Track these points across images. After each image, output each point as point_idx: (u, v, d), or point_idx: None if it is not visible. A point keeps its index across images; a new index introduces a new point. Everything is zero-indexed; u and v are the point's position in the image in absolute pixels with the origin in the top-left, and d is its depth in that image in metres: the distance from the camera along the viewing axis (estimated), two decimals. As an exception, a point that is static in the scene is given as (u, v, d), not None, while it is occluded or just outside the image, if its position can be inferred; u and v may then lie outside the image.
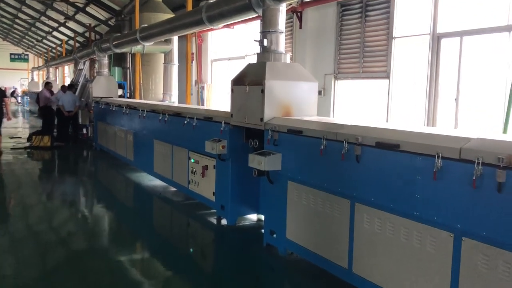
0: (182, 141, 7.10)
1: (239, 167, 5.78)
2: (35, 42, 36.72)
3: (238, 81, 5.45)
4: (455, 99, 7.33)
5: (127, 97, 14.58)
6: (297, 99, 5.12)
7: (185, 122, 6.82)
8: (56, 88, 17.12)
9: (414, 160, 3.24)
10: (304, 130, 4.35)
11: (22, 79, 43.36)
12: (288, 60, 5.36)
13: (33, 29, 31.75)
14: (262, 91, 4.96)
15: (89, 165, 11.49)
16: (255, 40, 5.44)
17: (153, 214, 7.07)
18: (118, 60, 15.97)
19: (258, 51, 5.39)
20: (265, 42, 5.26)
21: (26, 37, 36.52)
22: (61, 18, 24.62)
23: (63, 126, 13.72)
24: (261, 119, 4.99)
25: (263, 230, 5.62)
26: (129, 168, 9.74)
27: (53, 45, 32.56)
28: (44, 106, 14.60)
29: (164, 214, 7.08)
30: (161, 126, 7.82)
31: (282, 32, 5.31)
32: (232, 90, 5.59)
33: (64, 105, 13.37)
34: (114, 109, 10.57)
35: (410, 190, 3.28)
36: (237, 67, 13.80)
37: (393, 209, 3.43)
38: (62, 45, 28.46)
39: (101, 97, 12.27)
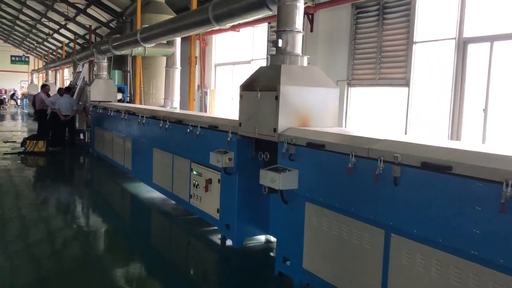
0: (184, 151, 6.49)
1: (247, 182, 5.17)
2: (36, 44, 36.26)
3: (248, 86, 4.84)
4: (483, 110, 6.72)
5: (127, 102, 14.00)
6: (315, 107, 4.50)
7: (188, 130, 6.21)
8: (54, 91, 16.54)
9: (473, 187, 2.61)
10: (327, 144, 3.73)
11: (22, 81, 42.87)
12: (305, 63, 4.75)
13: (34, 31, 31.27)
14: (276, 97, 4.35)
15: (85, 173, 10.86)
16: (269, 41, 4.84)
17: (151, 229, 6.44)
18: (118, 63, 15.38)
19: (271, 53, 4.79)
20: (280, 43, 4.65)
21: (27, 39, 36.06)
22: (62, 20, 24.12)
23: (59, 131, 13.12)
24: (275, 130, 4.37)
25: (273, 254, 5.00)
26: (127, 177, 9.12)
27: (54, 48, 32.08)
28: (40, 109, 14.02)
29: (163, 230, 6.45)
30: (161, 134, 7.21)
31: (300, 31, 4.71)
32: (241, 96, 4.98)
33: (60, 108, 12.79)
34: (112, 114, 9.97)
35: (466, 223, 2.65)
36: (242, 72, 13.34)
37: (442, 245, 2.81)
38: (63, 47, 27.95)
39: (99, 101, 11.68)
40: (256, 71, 4.93)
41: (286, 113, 4.36)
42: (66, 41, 28.53)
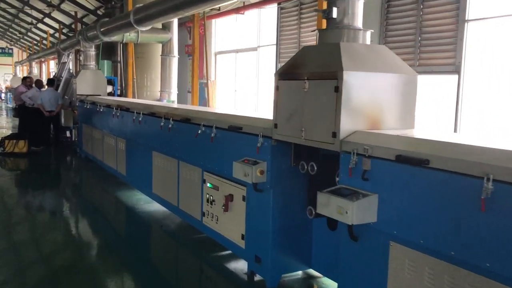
0: (193, 156, 5.18)
1: (284, 201, 3.92)
2: (19, 35, 34.46)
3: (289, 74, 3.55)
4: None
5: (118, 95, 12.61)
6: (389, 101, 3.22)
7: (199, 131, 4.90)
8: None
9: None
10: (435, 159, 2.45)
11: (6, 74, 41.02)
12: (368, 40, 3.46)
13: (16, 20, 29.49)
14: (337, 88, 3.06)
15: (71, 179, 9.44)
16: (316, 10, 3.54)
17: (152, 254, 5.14)
18: (108, 52, 13.94)
19: (320, 28, 3.50)
20: (335, 13, 3.35)
21: (10, 29, 34.23)
22: (45, 7, 22.48)
23: (43, 128, 11.70)
24: (334, 134, 3.09)
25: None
26: (120, 184, 7.79)
27: (38, 39, 30.38)
28: (21, 104, 12.57)
29: (168, 255, 5.16)
30: (163, 135, 5.90)
31: (361, -4, 3.42)
32: (276, 88, 3.69)
33: (43, 103, 11.37)
34: (102, 110, 8.60)
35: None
36: (247, 61, 12.06)
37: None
38: (47, 38, 26.30)
39: (87, 95, 10.30)
40: (300, 52, 3.63)
41: (351, 110, 3.07)
42: (51, 31, 26.86)
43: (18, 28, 31.92)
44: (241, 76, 11.98)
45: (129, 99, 8.61)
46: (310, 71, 3.33)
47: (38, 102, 11.33)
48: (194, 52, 8.56)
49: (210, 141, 4.68)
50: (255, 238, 4.11)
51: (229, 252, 4.72)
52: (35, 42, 32.07)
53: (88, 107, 9.63)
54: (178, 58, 10.98)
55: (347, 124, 3.06)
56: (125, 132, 7.42)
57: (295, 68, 3.50)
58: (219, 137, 4.60)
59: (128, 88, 11.06)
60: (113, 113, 7.81)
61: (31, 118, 11.86)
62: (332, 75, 3.10)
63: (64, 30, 24.42)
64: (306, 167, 3.71)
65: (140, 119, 6.62)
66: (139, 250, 5.13)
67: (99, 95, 10.44)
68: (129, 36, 9.90)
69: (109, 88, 11.91)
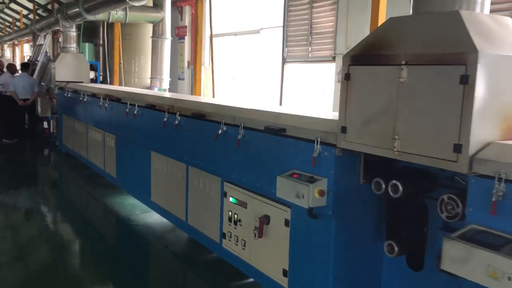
0: (210, 162, 4.09)
1: (351, 232, 2.89)
2: (-11, 16, 32.28)
3: (370, 56, 2.50)
4: None
5: (100, 82, 11.33)
6: (530, 98, 2.20)
7: (220, 131, 3.81)
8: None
9: None
10: None
11: (-24, 58, 38.71)
12: (488, 9, 2.43)
13: (-14, 0, 27.47)
14: (465, 79, 2.02)
15: (48, 178, 8.21)
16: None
17: (156, 282, 4.06)
18: (89, 35, 12.56)
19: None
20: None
21: (-20, 10, 32.03)
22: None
23: (16, 119, 10.38)
24: (458, 148, 2.06)
25: None
26: (109, 186, 6.66)
27: (10, 20, 28.40)
28: (-9, 92, 11.16)
29: (176, 284, 4.10)
30: (166, 133, 4.79)
31: None
32: (346, 77, 2.64)
33: (17, 90, 10.04)
34: (86, 99, 7.39)
35: None
36: (248, 45, 10.89)
37: None
38: (20, 19, 24.46)
39: (67, 82, 9.04)
40: (387, 25, 2.56)
41: (486, 111, 2.05)
42: (25, 12, 25.02)
43: (-11, 9, 29.81)
44: (240, 62, 10.81)
45: (119, 88, 7.43)
46: (411, 53, 2.28)
47: (11, 89, 10.00)
48: (198, 32, 7.37)
49: (236, 145, 3.61)
50: (306, 278, 3.08)
51: (249, 279, 3.71)
52: (7, 24, 30.04)
53: (69, 95, 8.39)
54: (172, 40, 9.77)
55: (479, 133, 2.04)
56: (115, 126, 6.26)
57: (381, 48, 2.44)
58: (249, 140, 3.53)
59: (114, 74, 9.82)
60: (100, 104, 6.63)
61: (2, 107, 10.51)
62: (457, 59, 2.06)
63: (39, 11, 22.70)
64: (383, 186, 2.68)
65: (135, 112, 5.48)
66: (139, 276, 4.04)
67: (82, 82, 9.19)
68: (116, 14, 8.64)
69: (92, 74, 10.62)
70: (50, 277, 4.00)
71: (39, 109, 11.02)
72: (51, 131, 11.04)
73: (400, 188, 2.57)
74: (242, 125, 3.57)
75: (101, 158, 6.91)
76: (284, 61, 9.03)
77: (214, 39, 11.66)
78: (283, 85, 9.10)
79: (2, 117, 10.53)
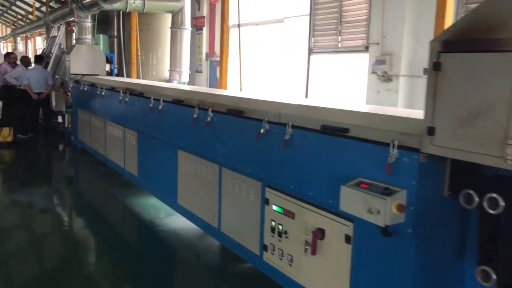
0: (249, 164, 3.64)
1: (433, 255, 2.42)
2: (2, 8, 32.10)
3: (469, 41, 2.01)
4: None
5: (115, 75, 10.93)
6: None
7: (262, 130, 3.35)
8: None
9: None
10: None
11: (-11, 51, 38.66)
12: None
13: (-2, -7, 27.27)
14: None
15: (64, 176, 7.80)
16: None
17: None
18: (102, 26, 12.15)
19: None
20: None
21: (-8, 3, 31.85)
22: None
23: (30, 113, 10.02)
24: None
25: None
26: (129, 185, 6.26)
27: (23, 13, 28.15)
28: (4, 85, 10.82)
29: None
30: (196, 131, 4.35)
31: None
32: (435, 66, 2.15)
33: (31, 84, 9.68)
34: (104, 93, 6.98)
35: None
36: (271, 35, 10.37)
37: None
38: (33, 12, 24.17)
39: (83, 75, 8.65)
40: (489, 3, 2.07)
41: None
42: (37, 4, 24.72)
43: (1, 1, 29.63)
44: (262, 54, 10.32)
45: (140, 81, 6.99)
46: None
47: (25, 82, 9.64)
48: (224, 20, 6.87)
49: (283, 146, 3.15)
50: (373, 305, 2.62)
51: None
52: (20, 17, 29.82)
53: (85, 89, 7.99)
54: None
55: None
56: (137, 122, 5.83)
57: (490, 31, 1.95)
58: (298, 141, 3.07)
59: (132, 66, 9.39)
60: (120, 98, 6.20)
61: (16, 101, 10.17)
62: None
63: (52, 4, 22.37)
64: (475, 199, 2.21)
65: (160, 107, 5.04)
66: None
67: (98, 75, 8.80)
68: (134, 3, 8.21)
69: (107, 67, 10.22)
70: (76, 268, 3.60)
71: (53, 103, 10.65)
72: (66, 125, 10.69)
73: (501, 203, 2.10)
74: (290, 123, 3.10)
75: (120, 155, 6.50)
76: (310, 51, 8.53)
77: (232, 30, 11.19)
78: (309, 77, 8.61)
79: (15, 111, 10.20)
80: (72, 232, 4.95)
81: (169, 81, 9.11)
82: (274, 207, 3.36)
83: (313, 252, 2.94)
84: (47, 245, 4.54)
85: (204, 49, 11.66)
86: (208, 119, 4.10)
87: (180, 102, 4.66)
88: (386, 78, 6.66)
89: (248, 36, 10.86)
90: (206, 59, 11.75)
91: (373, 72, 6.99)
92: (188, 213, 4.70)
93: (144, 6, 8.33)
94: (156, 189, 5.47)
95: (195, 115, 4.32)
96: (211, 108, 4.10)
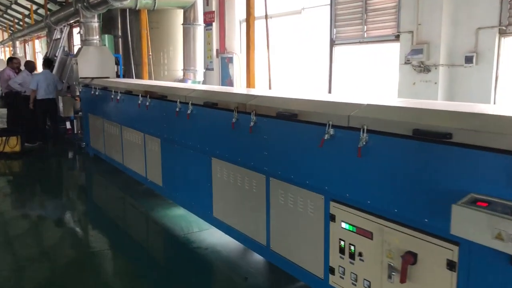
0: (305, 174, 3.17)
1: None
2: (-3, 12, 31.52)
3: None
4: None
5: (122, 76, 10.44)
6: None
7: (326, 136, 2.89)
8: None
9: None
10: None
11: (-14, 57, 38.08)
12: None
13: (-6, -3, 26.65)
14: None
15: (80, 187, 7.30)
16: None
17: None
18: (106, 26, 11.67)
19: None
20: None
21: (-13, 7, 31.25)
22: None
23: (38, 120, 9.54)
24: None
25: None
26: (152, 195, 5.83)
27: (20, 16, 27.59)
28: (9, 92, 10.34)
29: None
30: (235, 137, 3.89)
31: None
32: None
33: (39, 90, 9.16)
34: (119, 97, 6.51)
35: None
36: (288, 28, 9.86)
37: None
38: (31, 14, 23.63)
39: (92, 78, 8.18)
40: None
41: None
42: (35, 6, 24.16)
43: (-3, 5, 29.06)
44: (278, 47, 9.82)
45: (159, 83, 6.50)
46: None
47: (32, 87, 9.14)
48: (250, 13, 6.35)
49: (357, 155, 2.68)
50: None
51: None
52: (17, 21, 29.23)
53: (96, 93, 7.51)
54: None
55: None
56: (160, 128, 5.37)
57: None
58: (380, 149, 2.60)
59: (143, 66, 8.90)
60: (139, 102, 5.73)
61: (22, 108, 9.70)
62: None
63: (50, 6, 21.81)
64: None
65: (188, 111, 4.58)
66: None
67: (108, 77, 8.33)
68: (144, 0, 7.71)
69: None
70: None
71: (60, 108, 10.17)
72: (75, 131, 10.21)
73: None
74: (365, 127, 2.64)
75: (141, 163, 6.04)
76: (332, 43, 8.04)
77: (243, 24, 10.69)
78: (332, 69, 8.13)
79: (22, 119, 9.73)
80: (96, 255, 4.49)
81: (183, 80, 8.64)
82: (344, 225, 2.90)
83: (403, 280, 2.48)
84: (69, 274, 4.07)
85: (215, 45, 11.16)
86: (251, 124, 3.64)
87: (214, 105, 4.19)
88: (423, 68, 6.18)
89: (261, 30, 10.36)
90: (217, 56, 11.25)
91: (405, 63, 6.51)
92: (226, 227, 4.24)
93: (155, 2, 7.84)
94: (186, 201, 5.01)
95: (233, 120, 3.86)
96: (254, 112, 3.63)
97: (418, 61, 6.21)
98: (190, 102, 4.57)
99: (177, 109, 4.78)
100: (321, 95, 3.57)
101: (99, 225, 5.28)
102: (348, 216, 2.87)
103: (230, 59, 10.90)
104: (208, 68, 11.42)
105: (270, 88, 6.84)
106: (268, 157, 3.57)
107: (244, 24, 10.96)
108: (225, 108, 4.03)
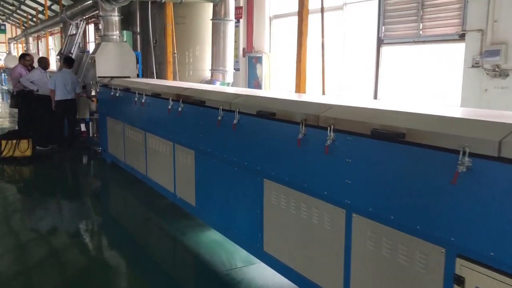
0: (411, 215, 2.33)
1: None
2: (11, 8, 31.04)
3: None
4: None
5: (141, 76, 9.66)
6: None
7: (461, 168, 2.04)
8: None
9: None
10: None
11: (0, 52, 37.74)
12: None
13: (7, -8, 26.20)
14: None
15: (101, 202, 6.41)
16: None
17: None
18: (125, 21, 10.90)
19: None
20: None
21: (1, 3, 30.79)
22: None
23: (54, 123, 8.76)
24: None
25: None
26: (179, 213, 5.04)
27: (33, 12, 27.07)
28: (20, 90, 9.60)
29: None
30: (301, 156, 3.07)
31: None
32: None
33: (57, 90, 8.38)
34: (144, 100, 5.71)
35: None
36: (327, 24, 8.80)
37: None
38: (44, 10, 23.01)
39: (111, 77, 7.41)
40: None
41: None
42: (49, 2, 23.56)
43: (10, 0, 28.58)
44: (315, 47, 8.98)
45: (197, 85, 5.68)
46: None
47: (51, 87, 8.38)
48: (304, 5, 5.48)
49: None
50: None
51: None
52: (30, 17, 28.74)
53: (117, 94, 6.72)
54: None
55: None
56: (196, 139, 4.55)
57: None
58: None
59: (168, 65, 8.09)
60: (169, 107, 4.93)
61: (35, 108, 8.96)
62: None
63: (64, 2, 21.20)
64: None
65: (234, 121, 3.75)
66: None
67: (129, 77, 7.56)
68: (171, -8, 6.93)
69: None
70: None
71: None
72: (90, 135, 9.45)
73: None
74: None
75: (168, 177, 5.24)
76: (380, 42, 7.18)
77: (273, 21, 9.90)
78: (378, 72, 7.27)
79: (34, 121, 8.99)
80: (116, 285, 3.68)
81: (210, 82, 7.84)
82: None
83: None
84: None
85: (241, 44, 10.36)
86: (328, 142, 2.80)
87: (271, 115, 3.36)
88: (499, 72, 5.30)
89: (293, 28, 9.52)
90: (244, 55, 10.45)
91: (473, 66, 5.64)
92: (282, 267, 3.42)
93: (184, -8, 7.05)
94: (227, 228, 4.18)
95: (300, 136, 3.03)
96: (331, 126, 2.79)
97: (493, 64, 5.33)
98: (237, 109, 3.75)
99: (219, 118, 3.96)
100: (433, 109, 2.70)
101: (120, 249, 4.46)
102: (487, 282, 2.03)
103: (258, 59, 10.09)
104: (235, 69, 10.63)
105: (323, 93, 6.02)
106: (351, 186, 2.73)
107: (274, 21, 10.17)
108: (287, 120, 3.21)
